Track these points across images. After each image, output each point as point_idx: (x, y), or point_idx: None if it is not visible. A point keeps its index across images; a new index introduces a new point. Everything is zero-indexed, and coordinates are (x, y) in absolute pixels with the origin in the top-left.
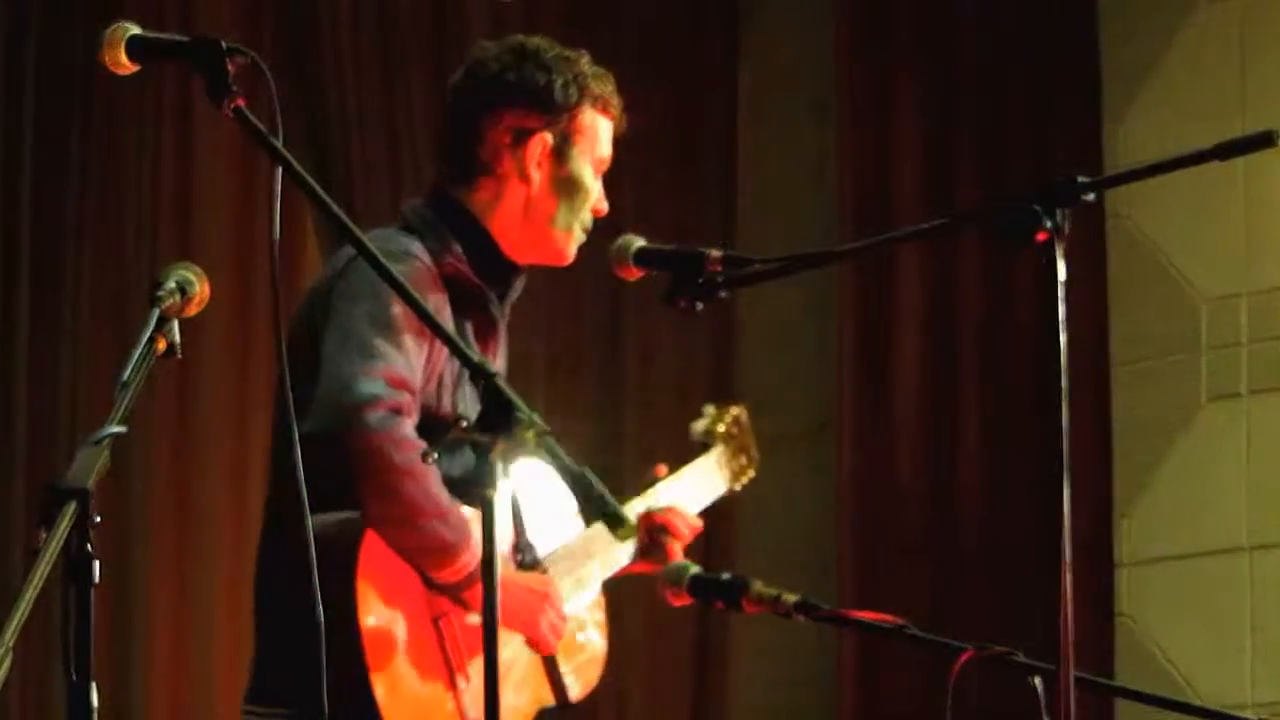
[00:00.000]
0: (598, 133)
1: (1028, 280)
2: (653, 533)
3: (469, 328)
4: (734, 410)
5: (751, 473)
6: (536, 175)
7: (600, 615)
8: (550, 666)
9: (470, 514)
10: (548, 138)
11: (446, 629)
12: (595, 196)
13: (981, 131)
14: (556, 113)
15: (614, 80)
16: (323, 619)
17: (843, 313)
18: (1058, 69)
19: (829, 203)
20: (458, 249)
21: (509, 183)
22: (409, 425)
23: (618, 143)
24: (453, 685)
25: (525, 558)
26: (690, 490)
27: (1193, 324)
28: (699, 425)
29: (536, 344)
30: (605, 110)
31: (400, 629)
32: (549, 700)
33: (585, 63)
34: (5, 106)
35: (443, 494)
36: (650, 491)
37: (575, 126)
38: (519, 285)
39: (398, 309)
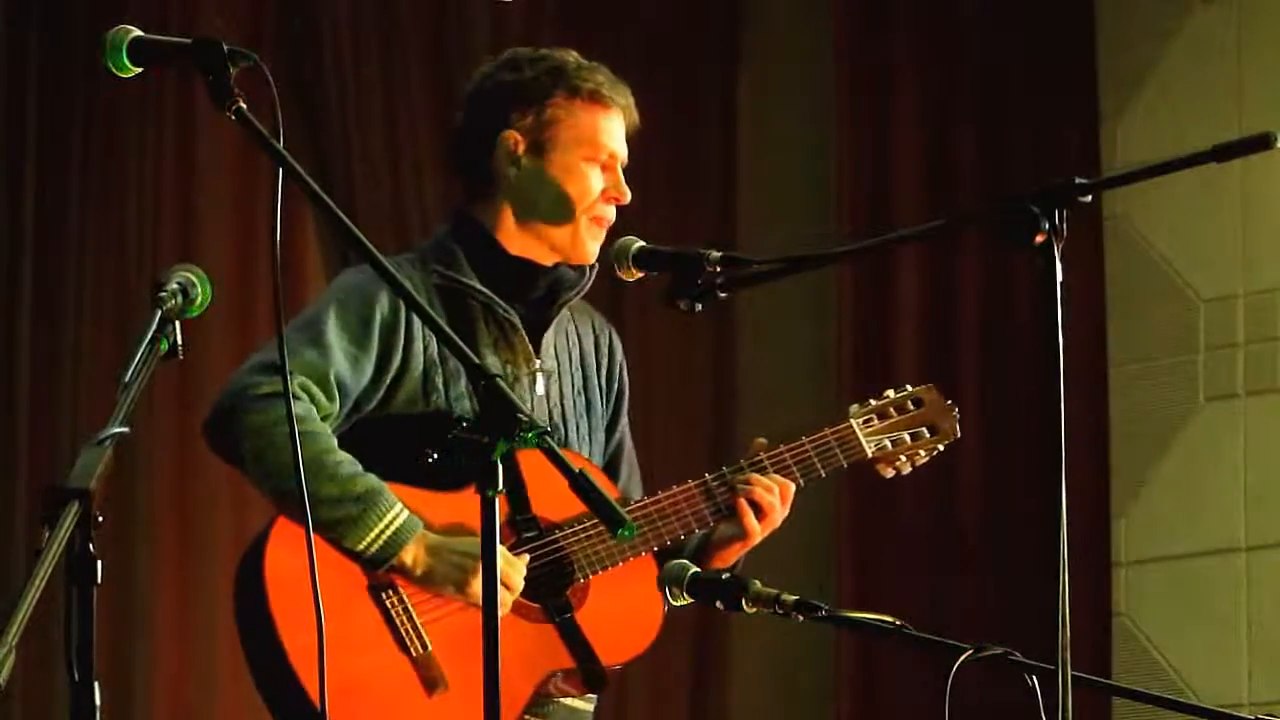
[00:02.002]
0: (583, 123)
1: (1026, 281)
2: (728, 503)
3: (484, 335)
4: (915, 389)
5: (935, 447)
6: (514, 172)
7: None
8: (568, 630)
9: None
10: (518, 134)
11: (390, 599)
12: (597, 187)
13: (981, 132)
14: (527, 108)
15: (608, 73)
16: (322, 615)
17: (842, 313)
18: (1056, 70)
19: (829, 203)
20: (462, 261)
21: (502, 186)
22: (296, 406)
23: (631, 136)
24: (404, 651)
25: (523, 532)
26: (799, 460)
27: (1190, 325)
28: (856, 404)
29: None
30: (594, 100)
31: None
32: (565, 664)
33: (566, 57)
34: (7, 107)
35: (340, 467)
36: (743, 463)
37: (551, 118)
38: (554, 285)
39: (333, 317)
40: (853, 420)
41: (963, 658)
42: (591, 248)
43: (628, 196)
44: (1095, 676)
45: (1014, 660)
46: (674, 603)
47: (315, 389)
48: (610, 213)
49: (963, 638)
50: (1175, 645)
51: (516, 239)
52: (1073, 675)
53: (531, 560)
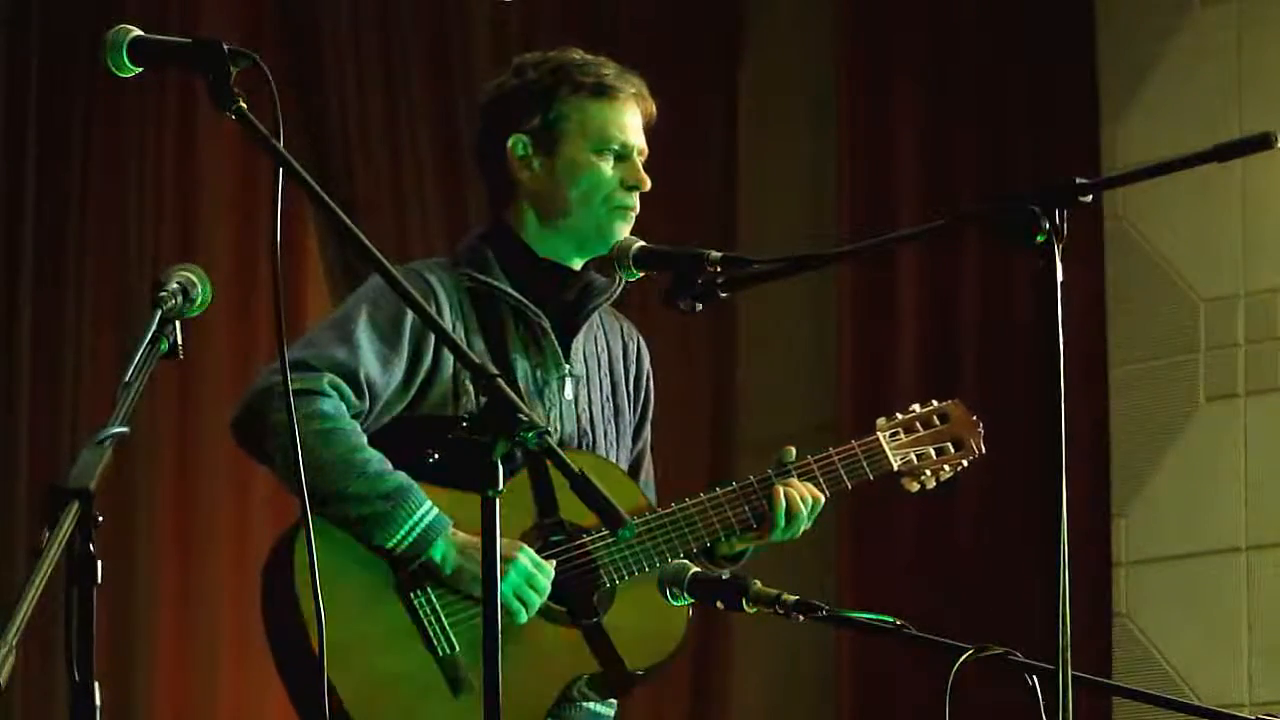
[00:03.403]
0: (591, 116)
1: (1026, 281)
2: (757, 511)
3: (514, 338)
4: (942, 404)
5: (959, 462)
6: (528, 175)
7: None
8: (594, 635)
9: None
10: (524, 136)
11: (418, 599)
12: (611, 178)
13: (981, 132)
14: (532, 109)
15: (615, 65)
16: (323, 613)
17: (842, 313)
18: (1056, 71)
19: (829, 203)
20: (493, 264)
21: (520, 190)
22: (325, 403)
23: (648, 124)
24: (430, 651)
25: (550, 536)
26: (826, 471)
27: (1190, 325)
28: (883, 418)
29: None
30: (599, 93)
31: (349, 603)
32: (590, 668)
33: (571, 55)
34: (8, 107)
35: (369, 465)
36: (770, 471)
37: (556, 115)
38: (585, 291)
39: (364, 317)
40: (879, 434)
41: (963, 658)
42: (619, 236)
43: (647, 184)
44: (1095, 676)
45: (1014, 660)
46: (673, 603)
47: (345, 387)
48: (632, 200)
49: (963, 638)
50: (1175, 645)
51: (543, 241)
52: (1073, 675)
53: (559, 565)
